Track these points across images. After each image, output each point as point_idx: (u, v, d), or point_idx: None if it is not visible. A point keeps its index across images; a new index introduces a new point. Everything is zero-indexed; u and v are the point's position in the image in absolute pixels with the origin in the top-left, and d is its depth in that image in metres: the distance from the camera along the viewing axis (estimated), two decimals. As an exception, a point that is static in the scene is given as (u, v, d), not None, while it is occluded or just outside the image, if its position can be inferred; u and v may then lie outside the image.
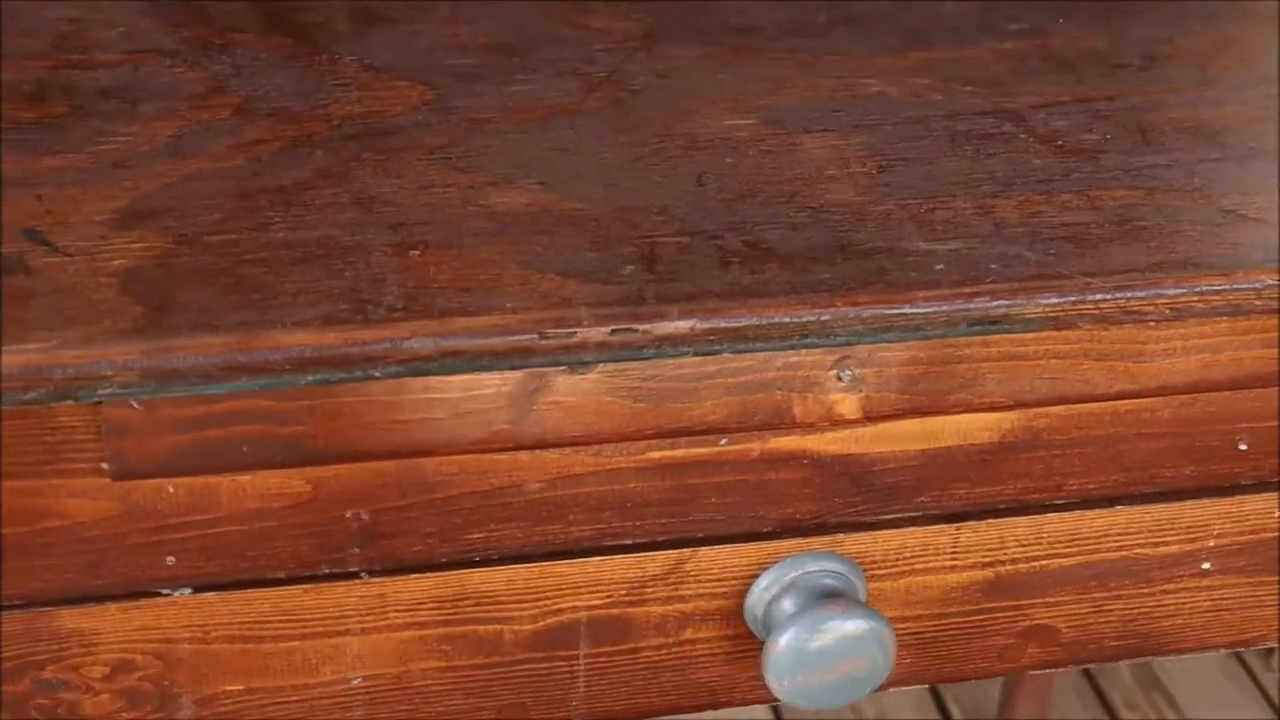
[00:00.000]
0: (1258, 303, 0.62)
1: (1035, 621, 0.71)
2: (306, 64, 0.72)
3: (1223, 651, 0.90)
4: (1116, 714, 1.57)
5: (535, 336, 0.57)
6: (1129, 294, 0.61)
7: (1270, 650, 1.64)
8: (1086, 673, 1.56)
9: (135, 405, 0.57)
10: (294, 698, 0.66)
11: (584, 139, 0.68)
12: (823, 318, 0.59)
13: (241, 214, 0.62)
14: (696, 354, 0.59)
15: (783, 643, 0.64)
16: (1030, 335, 0.62)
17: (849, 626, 0.64)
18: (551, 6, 0.78)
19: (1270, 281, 0.62)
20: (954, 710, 1.55)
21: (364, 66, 0.72)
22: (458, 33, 0.76)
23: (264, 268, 0.59)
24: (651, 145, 0.68)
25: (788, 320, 0.59)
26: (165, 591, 0.62)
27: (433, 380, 0.59)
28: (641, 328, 0.58)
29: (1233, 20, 0.82)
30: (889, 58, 0.75)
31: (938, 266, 0.61)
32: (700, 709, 0.70)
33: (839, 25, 0.78)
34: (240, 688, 0.65)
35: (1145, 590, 0.72)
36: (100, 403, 0.57)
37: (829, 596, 0.66)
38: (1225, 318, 0.62)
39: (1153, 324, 0.62)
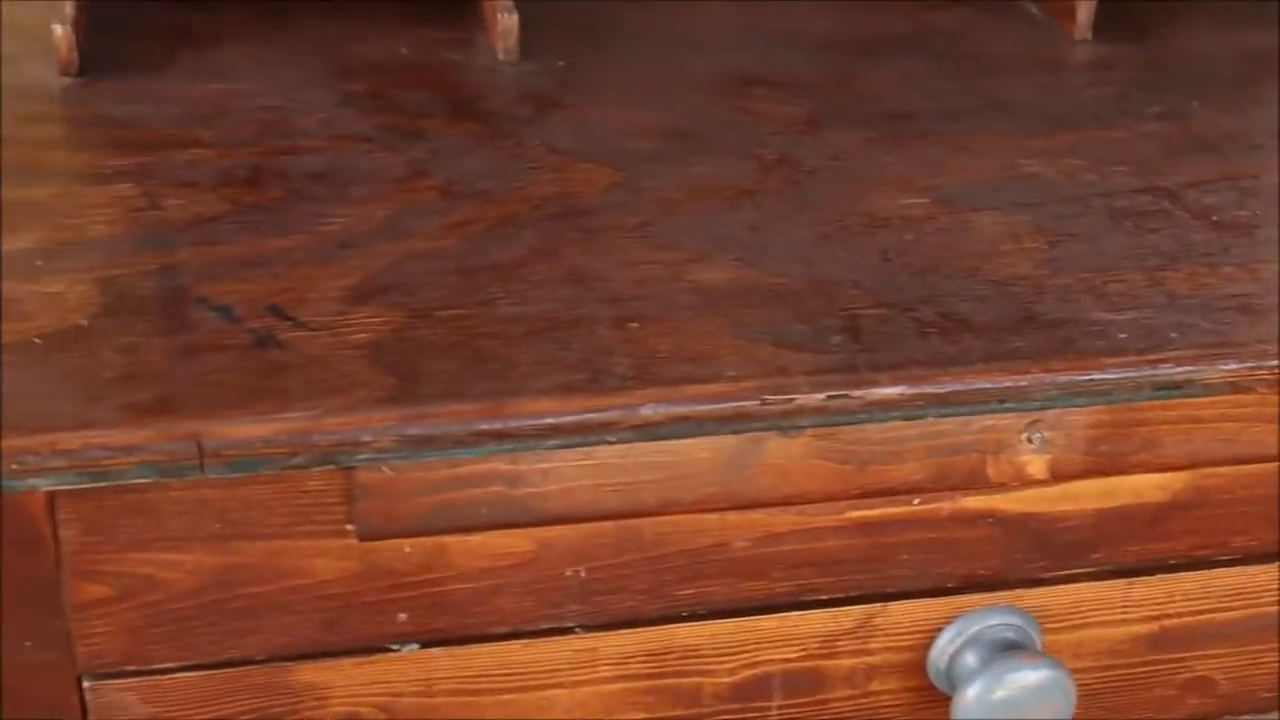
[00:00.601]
0: None
1: (1196, 673, 0.75)
2: (496, 148, 0.77)
3: None
4: None
5: (758, 403, 0.61)
6: (1302, 360, 0.65)
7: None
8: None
9: (387, 470, 0.61)
10: (506, 748, 0.69)
11: (769, 218, 0.72)
12: (1020, 384, 0.63)
13: (466, 290, 0.66)
14: (904, 418, 0.63)
15: (970, 694, 0.68)
16: (1207, 399, 0.66)
17: (1034, 677, 0.67)
18: (716, 94, 0.83)
19: None
20: None
21: (550, 150, 0.77)
22: (632, 118, 0.80)
23: (497, 340, 0.63)
24: (834, 223, 0.72)
25: (988, 386, 0.63)
26: (394, 647, 0.66)
27: (656, 445, 0.63)
28: (855, 394, 0.62)
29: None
30: (1040, 140, 0.80)
31: (1120, 335, 0.65)
32: (881, 759, 0.74)
33: (988, 110, 0.82)
34: (457, 738, 0.69)
35: (1301, 643, 0.75)
36: (350, 468, 0.61)
37: (1010, 649, 0.69)
38: (1389, 381, 0.66)
39: (1322, 388, 0.66)
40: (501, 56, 0.85)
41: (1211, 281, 0.69)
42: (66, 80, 0.81)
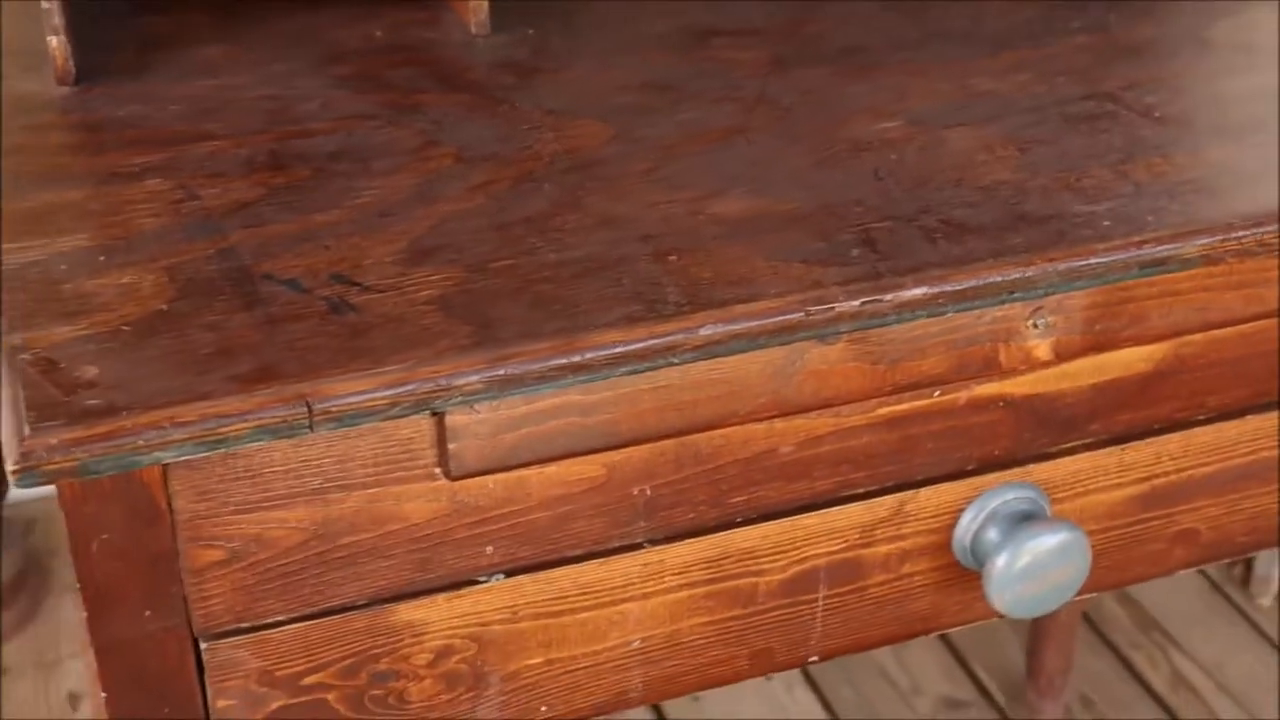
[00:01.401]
0: (1361, 226, 0.74)
1: (1182, 526, 0.83)
2: (493, 114, 0.82)
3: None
4: (1124, 654, 1.70)
5: (802, 314, 0.67)
6: (1262, 230, 0.73)
7: (1246, 581, 1.78)
8: (1089, 621, 1.68)
9: (476, 411, 0.66)
10: (584, 664, 0.75)
11: (763, 152, 0.78)
12: (1025, 274, 0.70)
13: (508, 243, 0.71)
14: (928, 316, 0.69)
15: (999, 564, 0.75)
16: (1185, 274, 0.73)
17: (1054, 540, 0.75)
18: (681, 48, 0.88)
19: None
20: (982, 675, 1.66)
21: (545, 111, 0.82)
22: (610, 77, 0.85)
23: (552, 284, 0.68)
24: (823, 151, 0.78)
25: (998, 279, 0.69)
26: (482, 579, 0.71)
27: (711, 363, 0.68)
28: (885, 298, 0.68)
29: (1256, 9, 0.95)
30: (985, 61, 0.87)
31: (1104, 223, 0.72)
32: (913, 636, 0.80)
33: (932, 39, 0.89)
34: (539, 660, 0.74)
35: (1268, 488, 0.83)
36: (439, 413, 0.66)
37: (1026, 519, 0.76)
38: (1336, 242, 0.74)
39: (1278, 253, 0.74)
40: (474, 30, 0.89)
41: (1168, 170, 0.77)
42: (64, 89, 0.84)
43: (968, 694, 1.63)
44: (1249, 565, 1.75)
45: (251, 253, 0.70)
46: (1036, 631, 1.55)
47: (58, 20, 0.84)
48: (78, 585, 0.65)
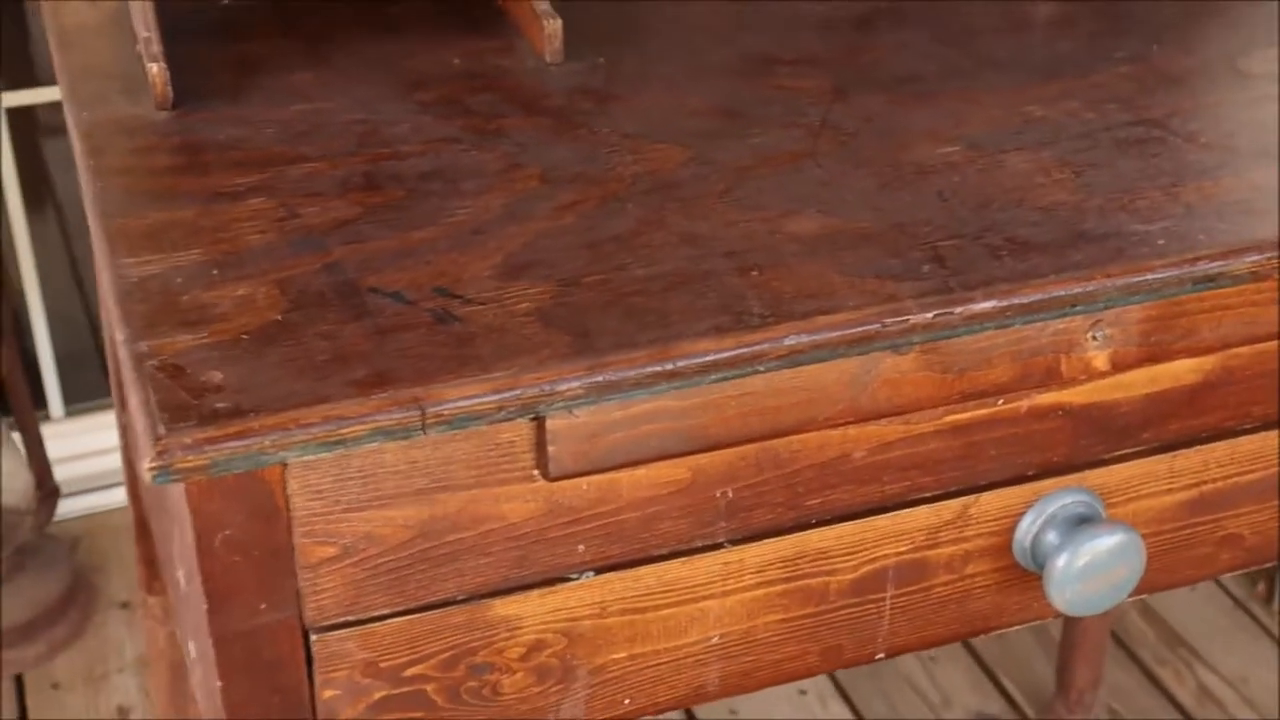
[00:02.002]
0: (1401, 244, 0.78)
1: (1228, 531, 0.87)
2: (573, 137, 0.86)
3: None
4: (1150, 669, 1.73)
5: (879, 326, 0.71)
6: (1309, 247, 0.77)
7: (1269, 597, 1.82)
8: (1115, 637, 1.72)
9: (575, 415, 0.70)
10: (666, 659, 0.78)
11: (832, 174, 0.82)
12: (1087, 289, 0.74)
13: (598, 259, 0.75)
14: (995, 328, 0.73)
15: (1060, 564, 0.79)
16: (1234, 289, 0.78)
17: (1110, 541, 0.79)
18: (745, 75, 0.93)
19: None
20: (1011, 688, 1.70)
21: (622, 135, 0.86)
22: (681, 102, 0.90)
23: (643, 297, 0.72)
24: (888, 174, 0.82)
25: (1061, 294, 0.74)
26: (574, 577, 0.75)
27: (792, 372, 0.72)
28: (956, 310, 0.72)
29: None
30: (1036, 89, 0.91)
31: (1159, 241, 0.76)
32: (975, 635, 0.84)
33: (983, 68, 0.94)
34: (624, 655, 0.78)
35: (1310, 495, 0.88)
36: (539, 417, 0.70)
37: (1085, 522, 0.80)
38: (1376, 259, 0.79)
39: (1326, 269, 0.78)
40: (548, 59, 0.94)
41: (1216, 191, 0.81)
42: (163, 114, 0.88)
43: (997, 708, 1.66)
44: (1271, 582, 1.79)
45: (355, 267, 0.75)
46: (1066, 645, 1.58)
47: (156, 48, 0.89)
48: (200, 576, 0.69)
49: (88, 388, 2.03)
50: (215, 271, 0.74)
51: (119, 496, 1.93)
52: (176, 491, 0.71)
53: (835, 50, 0.96)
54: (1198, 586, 1.83)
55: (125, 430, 1.15)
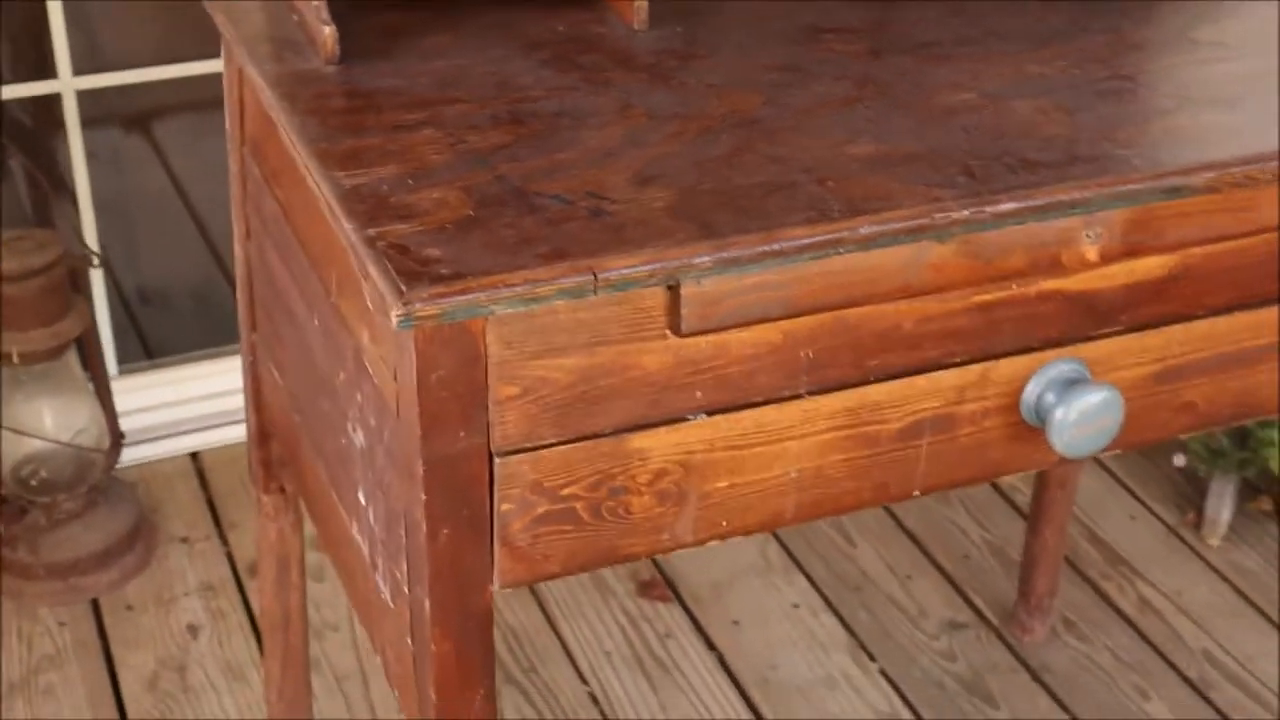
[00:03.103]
0: (1319, 166, 1.01)
1: (1185, 399, 1.09)
2: (668, 86, 1.07)
3: None
4: (1097, 585, 1.96)
5: (929, 219, 0.93)
6: (1249, 167, 0.99)
7: (1198, 525, 2.05)
8: (1067, 560, 1.94)
9: (701, 285, 0.91)
10: (755, 489, 1.00)
11: (878, 114, 1.04)
12: (1084, 195, 0.96)
13: (706, 173, 0.96)
14: (1015, 224, 0.95)
15: (1058, 416, 1.01)
16: (1193, 199, 1.00)
17: (1098, 397, 1.01)
18: (800, 42, 1.14)
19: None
20: (978, 602, 1.92)
21: (707, 85, 1.08)
22: (750, 61, 1.11)
23: (747, 199, 0.94)
24: (923, 114, 1.04)
25: (1065, 199, 0.96)
26: (690, 417, 0.96)
27: (863, 255, 0.94)
28: (987, 209, 0.94)
29: (1230, 15, 1.22)
30: (1033, 53, 1.13)
31: (1136, 162, 0.99)
32: (990, 478, 1.06)
33: (989, 36, 1.16)
34: (725, 484, 0.99)
35: (1249, 370, 1.10)
36: (675, 286, 0.91)
37: (1076, 383, 1.02)
38: (1300, 178, 1.02)
39: (1263, 185, 1.00)
40: (636, 27, 1.15)
41: (1176, 128, 1.04)
42: (331, 68, 1.08)
43: (967, 618, 1.89)
44: (1199, 511, 2.03)
45: (519, 178, 0.96)
46: (1027, 561, 1.81)
47: (325, 15, 1.09)
48: (417, 408, 0.89)
49: (131, 353, 2.21)
50: (410, 181, 0.95)
51: (165, 449, 2.12)
52: (380, 353, 0.92)
53: (868, 22, 1.18)
54: (1136, 515, 2.07)
55: (254, 348, 1.35)
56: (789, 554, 1.99)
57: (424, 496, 0.93)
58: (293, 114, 1.04)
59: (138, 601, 1.88)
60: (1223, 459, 2.01)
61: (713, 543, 1.01)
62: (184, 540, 1.97)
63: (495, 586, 0.98)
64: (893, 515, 2.06)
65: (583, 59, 1.12)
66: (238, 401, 2.27)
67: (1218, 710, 1.79)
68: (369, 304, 0.97)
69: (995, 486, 2.12)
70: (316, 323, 1.11)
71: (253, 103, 1.22)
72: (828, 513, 1.04)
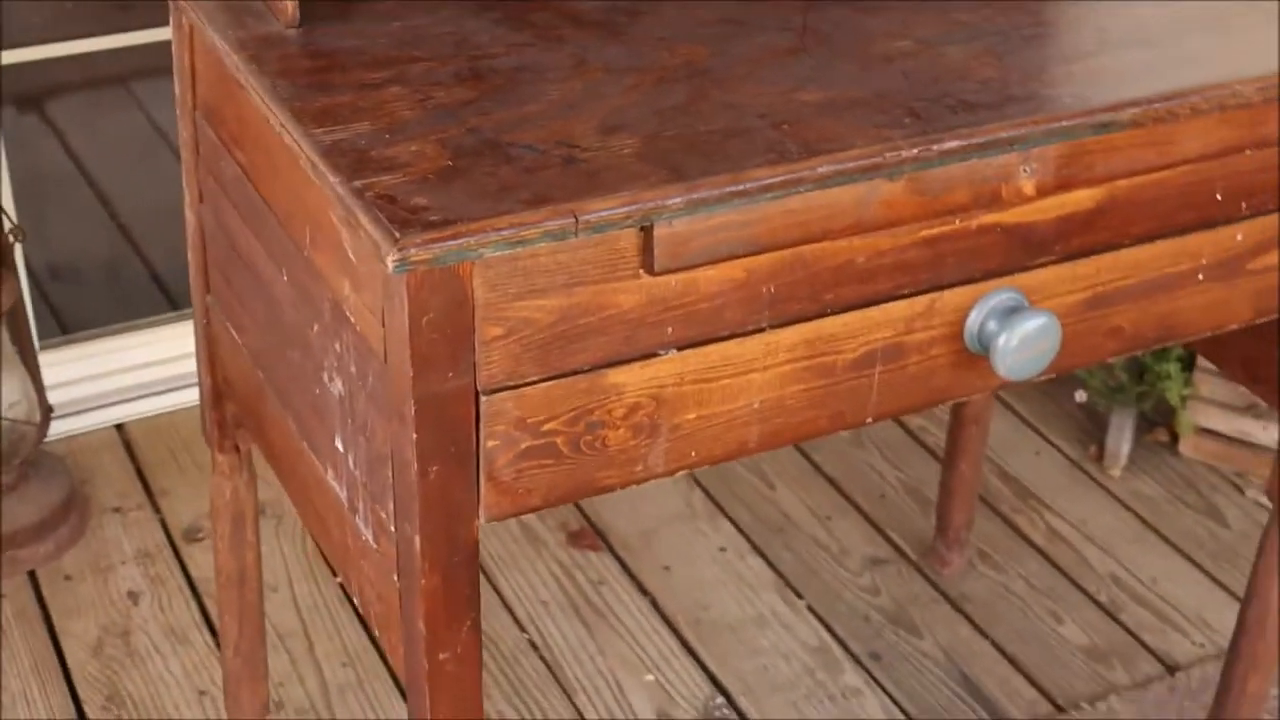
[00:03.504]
0: (1232, 101, 1.09)
1: (1113, 324, 1.16)
2: (620, 42, 1.12)
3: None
4: (1009, 518, 2.05)
5: (881, 158, 0.99)
6: (1172, 102, 1.07)
7: (1100, 458, 2.15)
8: (980, 497, 2.02)
9: (672, 225, 0.96)
10: (721, 420, 1.05)
11: (821, 62, 1.10)
12: (1020, 133, 1.03)
13: (667, 121, 1.01)
14: (958, 161, 1.02)
15: (1000, 342, 1.07)
16: (1120, 134, 1.07)
17: (1036, 322, 1.07)
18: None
19: (1240, 89, 1.08)
20: (896, 539, 2.00)
21: (656, 39, 1.13)
22: (694, 16, 1.16)
23: (709, 143, 0.99)
24: (863, 61, 1.10)
25: (1004, 136, 1.02)
26: (662, 352, 1.01)
27: (821, 193, 0.99)
28: (933, 148, 1.00)
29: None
30: (959, 3, 1.20)
31: (1066, 100, 1.05)
32: (935, 404, 1.13)
33: (915, -13, 1.22)
34: (694, 416, 1.04)
35: (1168, 296, 1.17)
36: (648, 227, 0.96)
37: (1016, 311, 1.09)
38: (1215, 112, 1.09)
39: (1182, 119, 1.08)
40: (582, -14, 1.20)
41: (1100, 67, 1.11)
42: (292, 31, 1.12)
43: (887, 554, 1.96)
44: (1101, 446, 2.12)
45: (491, 130, 1.00)
46: (944, 495, 1.89)
47: (285, -21, 1.12)
48: (409, 350, 0.93)
49: (46, 329, 2.21)
50: (387, 136, 0.99)
51: (90, 421, 2.12)
52: (363, 301, 0.96)
53: (799, -23, 1.24)
54: (1041, 451, 2.16)
55: (207, 311, 1.37)
56: (712, 500, 2.06)
57: (415, 435, 0.97)
58: (262, 76, 1.07)
59: (75, 571, 1.89)
60: (1121, 394, 2.11)
61: (682, 472, 1.07)
62: (117, 510, 1.99)
63: (481, 520, 1.02)
64: (810, 459, 2.13)
65: (534, 17, 1.16)
66: (160, 373, 2.29)
67: (1127, 630, 1.89)
68: (351, 255, 1.01)
69: (906, 429, 2.20)
70: (285, 278, 1.15)
71: (205, 68, 1.25)
72: (788, 441, 1.10)
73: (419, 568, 1.02)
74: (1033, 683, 1.80)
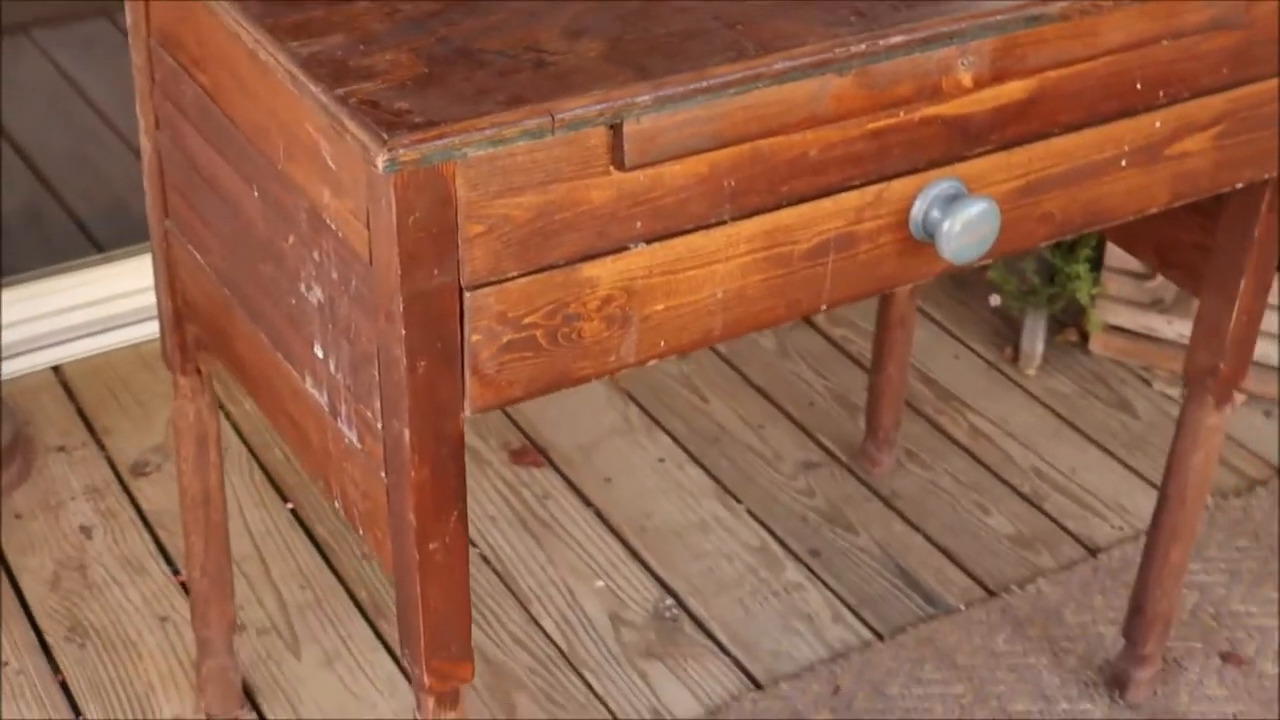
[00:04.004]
0: (1151, -7, 1.16)
1: (1044, 210, 1.23)
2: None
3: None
4: (932, 419, 2.13)
5: (831, 54, 1.05)
6: (1094, -5, 1.13)
7: (1015, 359, 2.24)
8: (905, 400, 2.10)
9: (640, 123, 1.01)
10: (687, 310, 1.11)
11: (766, -32, 1.15)
12: (959, 27, 1.09)
13: (629, 25, 1.07)
14: (903, 55, 1.08)
15: (944, 228, 1.14)
16: (1049, 27, 1.13)
17: (977, 208, 1.14)
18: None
19: (1156, -20, 1.16)
20: (827, 442, 2.07)
21: (606, -49, 1.17)
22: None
23: (671, 44, 1.04)
24: (805, -34, 1.16)
25: (946, 30, 1.09)
26: (632, 246, 1.06)
27: (776, 89, 1.05)
28: (880, 43, 1.06)
29: None
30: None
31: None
32: (885, 289, 1.19)
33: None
34: (662, 307, 1.10)
35: (1094, 182, 1.25)
36: (617, 124, 1.01)
37: (957, 198, 1.15)
38: (1136, 4, 1.16)
39: (1105, 12, 1.14)
40: (528, -97, 1.24)
41: (1027, -34, 1.17)
42: (253, -47, 1.15)
43: (819, 457, 2.04)
44: (1016, 347, 2.21)
45: (461, 38, 1.04)
46: (872, 397, 1.96)
47: (243, -97, 1.15)
48: (397, 249, 0.98)
49: (-27, 274, 2.22)
50: (361, 47, 1.03)
51: (23, 365, 2.14)
52: (347, 208, 1.00)
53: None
54: (959, 354, 2.24)
55: (166, 235, 1.40)
56: (648, 414, 2.11)
57: (403, 332, 1.02)
58: (230, -5, 1.10)
59: (25, 509, 1.91)
60: (1033, 297, 2.19)
61: (652, 361, 1.13)
62: (61, 449, 2.01)
63: (466, 413, 1.07)
64: (739, 371, 2.20)
65: (486, -66, 1.20)
66: (92, 314, 2.30)
67: (1050, 517, 1.97)
68: (330, 163, 1.05)
69: (830, 339, 2.27)
70: (256, 194, 1.18)
71: (160, -5, 1.28)
72: (749, 329, 1.16)
73: (409, 460, 1.07)
74: (965, 570, 1.89)
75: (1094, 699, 1.73)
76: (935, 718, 1.70)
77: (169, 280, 1.42)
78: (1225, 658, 1.78)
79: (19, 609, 1.79)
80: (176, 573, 1.85)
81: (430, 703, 1.18)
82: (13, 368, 2.12)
